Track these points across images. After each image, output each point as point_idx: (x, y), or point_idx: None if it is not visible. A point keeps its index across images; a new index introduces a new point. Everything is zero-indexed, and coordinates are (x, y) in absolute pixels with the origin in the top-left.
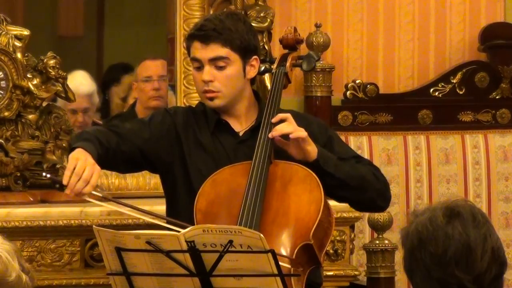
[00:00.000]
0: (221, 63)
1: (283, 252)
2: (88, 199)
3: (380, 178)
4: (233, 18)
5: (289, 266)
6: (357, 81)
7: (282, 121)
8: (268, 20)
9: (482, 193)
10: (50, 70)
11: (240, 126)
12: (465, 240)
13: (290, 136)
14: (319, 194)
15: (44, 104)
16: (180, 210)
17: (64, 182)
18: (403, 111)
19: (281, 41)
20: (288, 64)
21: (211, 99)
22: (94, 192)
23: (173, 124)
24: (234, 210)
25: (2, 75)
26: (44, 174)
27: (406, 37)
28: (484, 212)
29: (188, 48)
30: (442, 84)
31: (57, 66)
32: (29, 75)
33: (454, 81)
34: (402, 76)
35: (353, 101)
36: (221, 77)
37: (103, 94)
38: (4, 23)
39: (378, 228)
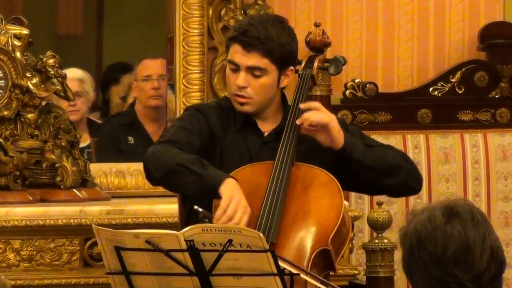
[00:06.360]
0: (257, 73)
1: (301, 255)
2: None
3: (409, 160)
4: (278, 27)
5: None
6: (357, 80)
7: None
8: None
9: (481, 192)
10: (50, 69)
11: (266, 126)
12: (464, 239)
13: (317, 122)
14: (339, 201)
15: (43, 103)
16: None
17: (214, 221)
18: (402, 110)
19: (308, 43)
20: (315, 66)
21: (242, 104)
22: None
23: (208, 125)
24: (254, 210)
25: (1, 74)
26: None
27: (405, 36)
28: (483, 211)
29: (227, 47)
30: (442, 83)
31: (56, 65)
32: (28, 74)
33: (454, 80)
34: (402, 75)
35: (353, 100)
36: (256, 85)
37: (102, 93)
38: (4, 22)
39: (378, 227)
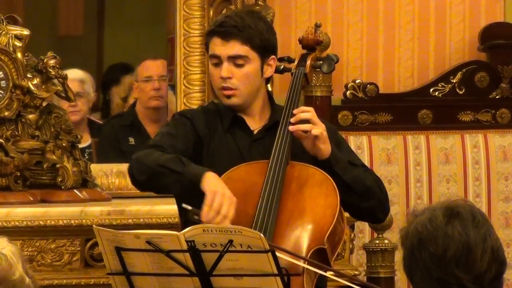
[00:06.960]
0: (240, 61)
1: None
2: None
3: (383, 190)
4: (254, 16)
5: (303, 265)
6: (357, 81)
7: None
8: (268, 20)
9: (482, 193)
10: (50, 70)
11: (254, 124)
12: (465, 240)
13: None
14: (335, 199)
15: (44, 104)
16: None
17: (203, 219)
18: (403, 111)
19: (300, 41)
20: (307, 64)
21: (229, 96)
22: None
23: (194, 130)
24: (249, 210)
25: (2, 75)
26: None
27: (406, 37)
28: (484, 212)
29: (207, 44)
30: (442, 84)
31: (57, 66)
32: (29, 75)
33: (454, 81)
34: (402, 76)
35: (353, 101)
36: (239, 75)
37: (103, 94)
38: (4, 23)
39: (378, 228)
